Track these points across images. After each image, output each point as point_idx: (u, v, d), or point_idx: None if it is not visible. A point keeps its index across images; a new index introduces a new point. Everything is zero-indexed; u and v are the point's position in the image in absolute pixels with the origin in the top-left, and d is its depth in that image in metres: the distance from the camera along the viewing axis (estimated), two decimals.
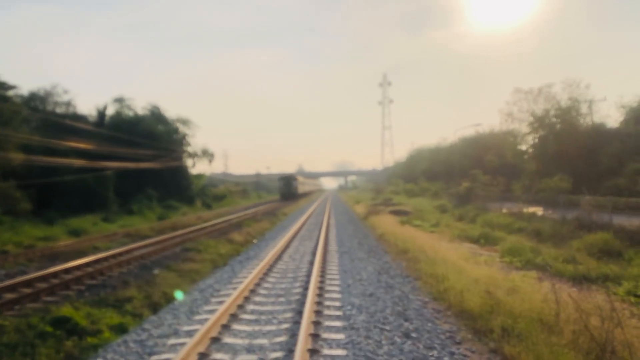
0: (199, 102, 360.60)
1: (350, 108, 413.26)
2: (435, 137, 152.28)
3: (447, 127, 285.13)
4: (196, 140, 65.48)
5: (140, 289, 11.10)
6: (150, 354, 7.03)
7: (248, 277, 12.05)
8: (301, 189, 75.00)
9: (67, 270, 13.54)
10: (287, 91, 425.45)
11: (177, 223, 28.22)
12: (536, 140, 40.79)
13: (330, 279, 12.10)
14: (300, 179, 76.37)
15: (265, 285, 11.74)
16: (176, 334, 8.00)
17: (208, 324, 7.73)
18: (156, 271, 13.50)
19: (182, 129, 50.04)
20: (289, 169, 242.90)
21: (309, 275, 12.45)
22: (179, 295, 10.95)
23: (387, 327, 7.97)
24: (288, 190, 67.15)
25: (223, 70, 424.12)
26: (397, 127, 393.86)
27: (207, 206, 48.78)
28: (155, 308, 9.92)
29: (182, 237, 20.75)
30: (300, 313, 8.77)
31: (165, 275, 13.09)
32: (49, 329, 7.93)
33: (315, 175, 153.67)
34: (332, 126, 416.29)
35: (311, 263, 14.07)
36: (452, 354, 6.77)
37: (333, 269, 13.35)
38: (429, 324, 8.12)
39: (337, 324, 8.18)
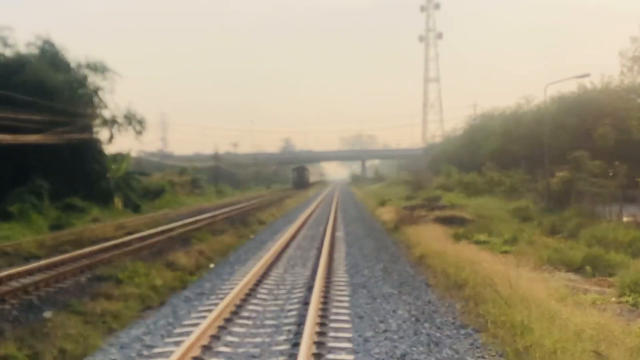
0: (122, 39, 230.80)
1: (371, 48, 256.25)
2: (513, 98, 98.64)
3: (532, 83, 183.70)
4: (116, 99, 40.16)
5: (22, 344, 7.27)
6: None
7: (199, 326, 7.24)
8: (312, 179, 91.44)
9: None
10: (264, 19, 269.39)
11: (83, 235, 18.64)
12: None
13: (336, 331, 7.40)
14: (310, 169, 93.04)
15: (230, 339, 7.18)
16: None
17: None
18: (48, 314, 8.74)
19: (92, 79, 32.03)
20: (269, 147, 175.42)
21: (300, 323, 7.63)
22: None
23: None
24: (301, 180, 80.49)
25: None
26: (448, 80, 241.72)
27: (134, 207, 32.58)
28: None
29: (91, 257, 13.57)
30: None
31: (64, 320, 8.34)
32: None
33: (313, 158, 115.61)
34: (340, 78, 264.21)
35: (305, 303, 8.90)
36: None
37: (342, 313, 8.46)
38: None
39: None
